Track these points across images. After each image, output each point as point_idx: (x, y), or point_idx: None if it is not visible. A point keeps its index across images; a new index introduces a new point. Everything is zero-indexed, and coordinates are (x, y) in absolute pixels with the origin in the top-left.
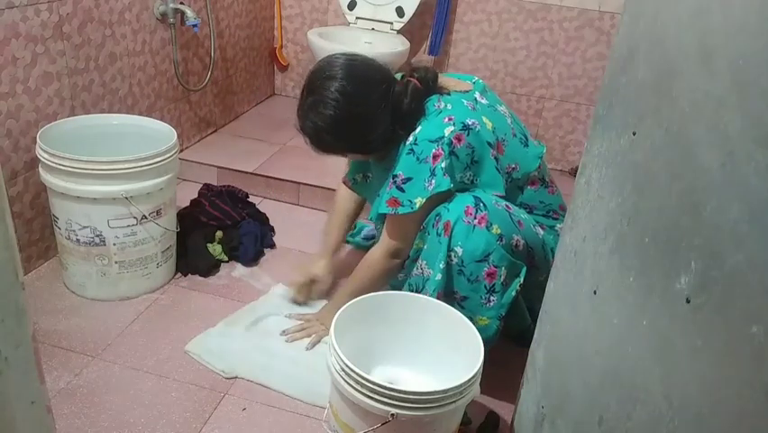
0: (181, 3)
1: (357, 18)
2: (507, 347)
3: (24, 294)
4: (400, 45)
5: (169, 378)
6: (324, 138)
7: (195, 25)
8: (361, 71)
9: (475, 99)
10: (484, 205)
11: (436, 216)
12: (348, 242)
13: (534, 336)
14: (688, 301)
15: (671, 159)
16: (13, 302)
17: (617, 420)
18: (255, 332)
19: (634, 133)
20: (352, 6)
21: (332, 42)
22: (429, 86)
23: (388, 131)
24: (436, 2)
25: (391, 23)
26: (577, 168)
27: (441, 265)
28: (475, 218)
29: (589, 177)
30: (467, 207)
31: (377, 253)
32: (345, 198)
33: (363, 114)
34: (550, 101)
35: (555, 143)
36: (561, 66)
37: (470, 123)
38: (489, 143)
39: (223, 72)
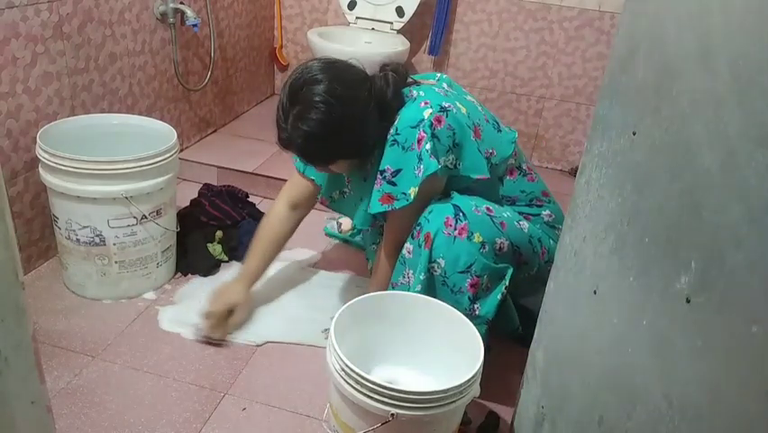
0: (181, 3)
1: (357, 18)
2: (507, 347)
3: (24, 294)
4: (400, 45)
5: (168, 378)
6: (318, 146)
7: (195, 25)
8: (343, 72)
9: (444, 88)
10: (464, 214)
11: (417, 226)
12: (348, 241)
13: (534, 336)
14: (688, 301)
15: (671, 159)
16: (13, 302)
17: (617, 420)
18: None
19: (634, 133)
20: (352, 6)
21: (332, 42)
22: (404, 75)
23: (377, 127)
24: (436, 2)
25: (391, 23)
26: (577, 168)
27: (422, 276)
28: (455, 229)
29: (589, 177)
30: (447, 217)
31: (387, 254)
32: (276, 221)
33: (354, 114)
34: (550, 101)
35: (555, 143)
36: (561, 66)
37: (446, 105)
38: (467, 125)
39: (223, 72)
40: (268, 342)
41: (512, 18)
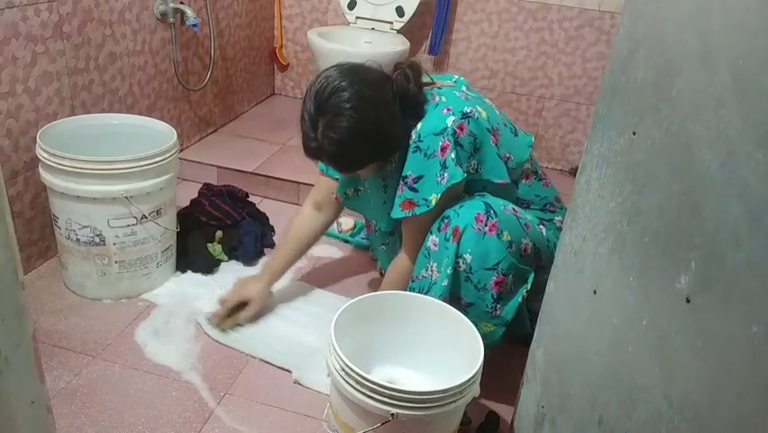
0: (181, 2)
1: (357, 18)
2: (507, 347)
3: (24, 294)
4: (400, 45)
5: (168, 378)
6: (351, 151)
7: (195, 25)
8: (365, 75)
9: (464, 92)
10: (495, 212)
11: (444, 219)
12: (348, 241)
13: (534, 335)
14: (688, 301)
15: (671, 159)
16: (13, 302)
17: (617, 420)
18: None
19: (634, 133)
20: (351, 6)
21: (332, 42)
22: (419, 70)
23: (404, 124)
24: (436, 2)
25: (391, 23)
26: (577, 168)
27: (448, 271)
28: (486, 225)
29: (589, 177)
30: (478, 213)
31: (406, 260)
32: (300, 222)
33: (384, 115)
34: (550, 101)
35: (555, 143)
36: (561, 66)
37: (468, 111)
38: (488, 130)
39: (223, 72)
40: (235, 349)
41: (512, 18)
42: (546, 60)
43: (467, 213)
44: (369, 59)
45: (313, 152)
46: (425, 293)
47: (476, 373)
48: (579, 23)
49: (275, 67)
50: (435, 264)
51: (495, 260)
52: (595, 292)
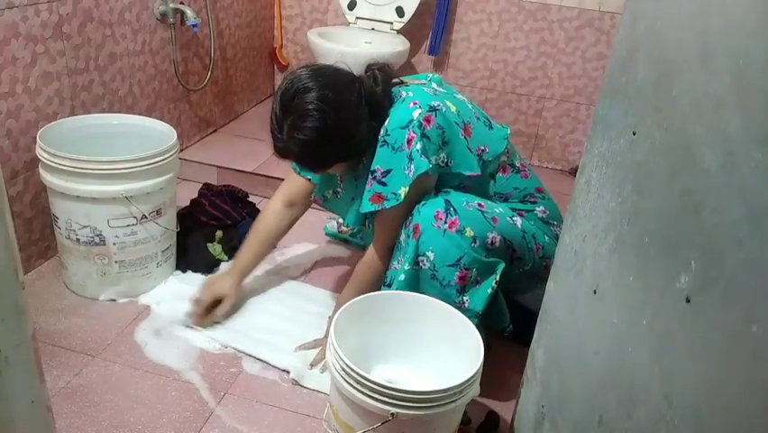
0: (181, 3)
1: (357, 18)
2: (507, 347)
3: (24, 294)
4: (400, 45)
5: (168, 377)
6: (315, 152)
7: (195, 25)
8: (332, 77)
9: (433, 88)
10: (455, 209)
11: (410, 215)
12: (348, 241)
13: (534, 335)
14: (688, 301)
15: (671, 159)
16: (13, 302)
17: (617, 420)
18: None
19: (634, 133)
20: (351, 6)
21: (332, 42)
22: (390, 73)
23: (369, 127)
24: (436, 2)
25: (391, 23)
26: (577, 168)
27: (407, 267)
28: (446, 222)
29: (589, 177)
30: (437, 211)
31: (375, 253)
32: (271, 218)
33: (347, 117)
34: (550, 101)
35: (555, 143)
36: (561, 66)
37: (435, 104)
38: (457, 123)
39: (223, 72)
40: (234, 348)
41: (512, 18)
42: (546, 61)
43: (427, 211)
44: (339, 61)
45: (280, 151)
46: (391, 284)
47: (476, 373)
48: (579, 23)
49: (275, 67)
50: (403, 257)
51: (456, 256)
52: (595, 292)
